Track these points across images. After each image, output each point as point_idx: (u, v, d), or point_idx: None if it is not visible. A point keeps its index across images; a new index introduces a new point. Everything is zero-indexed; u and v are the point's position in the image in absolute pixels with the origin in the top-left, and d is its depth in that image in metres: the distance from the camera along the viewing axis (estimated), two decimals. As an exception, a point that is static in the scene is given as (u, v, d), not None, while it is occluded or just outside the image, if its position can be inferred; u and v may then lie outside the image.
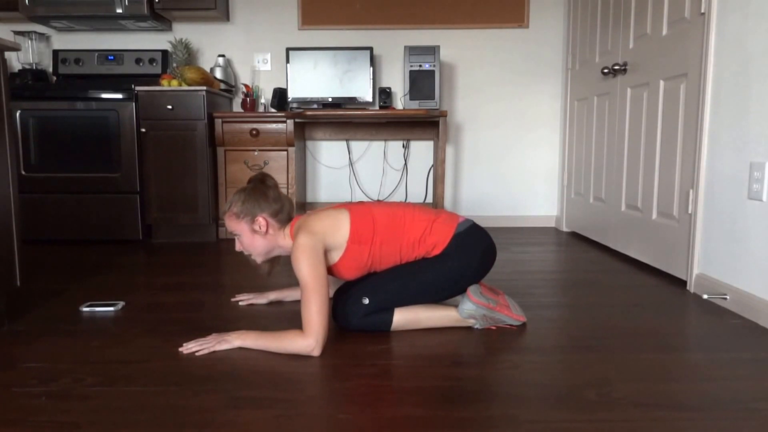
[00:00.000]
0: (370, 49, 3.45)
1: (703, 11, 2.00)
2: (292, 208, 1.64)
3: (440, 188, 3.19)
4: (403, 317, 1.59)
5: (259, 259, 1.63)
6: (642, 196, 2.51)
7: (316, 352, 1.42)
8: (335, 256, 1.56)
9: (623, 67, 2.66)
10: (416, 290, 1.58)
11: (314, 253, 1.45)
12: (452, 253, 1.57)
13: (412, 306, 1.60)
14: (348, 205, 1.61)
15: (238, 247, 1.62)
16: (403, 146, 3.72)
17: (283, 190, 3.20)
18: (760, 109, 1.71)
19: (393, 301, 1.58)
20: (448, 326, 1.63)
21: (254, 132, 3.20)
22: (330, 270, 1.59)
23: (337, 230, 1.53)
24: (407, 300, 1.59)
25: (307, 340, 1.40)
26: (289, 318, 1.76)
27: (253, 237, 1.57)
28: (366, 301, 1.56)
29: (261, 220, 1.55)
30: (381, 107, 3.45)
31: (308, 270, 1.42)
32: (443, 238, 1.58)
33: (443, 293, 1.61)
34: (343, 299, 1.60)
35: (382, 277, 1.59)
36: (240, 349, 1.47)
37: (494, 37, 3.65)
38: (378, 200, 1.76)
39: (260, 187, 1.59)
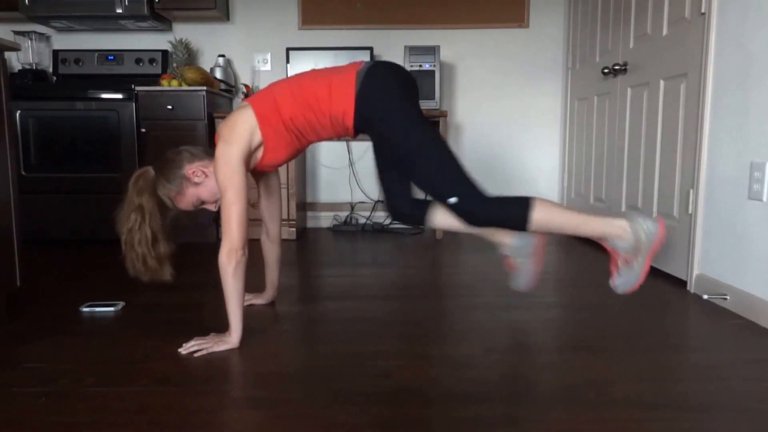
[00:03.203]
0: (370, 49, 3.45)
1: (703, 11, 2.00)
2: (209, 143, 1.61)
3: (440, 188, 3.18)
4: (545, 214, 1.44)
5: None
6: (642, 196, 2.51)
7: (235, 257, 1.43)
8: (261, 149, 1.54)
9: (623, 67, 2.66)
10: (421, 144, 1.45)
11: (230, 162, 1.45)
12: (370, 111, 1.47)
13: (558, 204, 1.48)
14: (249, 98, 1.56)
15: (215, 208, 1.60)
16: (403, 146, 3.71)
17: (283, 191, 3.20)
18: (760, 109, 1.71)
19: (451, 173, 1.45)
20: (592, 236, 1.49)
21: (254, 132, 3.20)
22: (268, 162, 1.57)
23: (246, 125, 1.49)
24: (442, 155, 1.46)
25: (223, 250, 1.43)
26: (290, 318, 1.76)
27: (206, 187, 1.55)
28: (452, 200, 1.44)
29: (192, 173, 1.53)
30: (381, 107, 3.44)
31: (225, 180, 1.44)
32: (346, 99, 1.48)
33: (423, 119, 1.50)
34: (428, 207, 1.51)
35: (421, 183, 1.49)
36: (240, 349, 1.47)
37: (494, 37, 3.65)
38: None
39: (156, 164, 1.56)
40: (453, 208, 1.46)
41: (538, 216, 1.44)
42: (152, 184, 1.53)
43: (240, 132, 1.48)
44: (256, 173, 1.68)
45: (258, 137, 1.52)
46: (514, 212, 1.45)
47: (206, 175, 1.55)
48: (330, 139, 1.62)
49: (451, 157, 1.47)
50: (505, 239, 1.69)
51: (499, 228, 1.49)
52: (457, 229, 1.58)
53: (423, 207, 1.64)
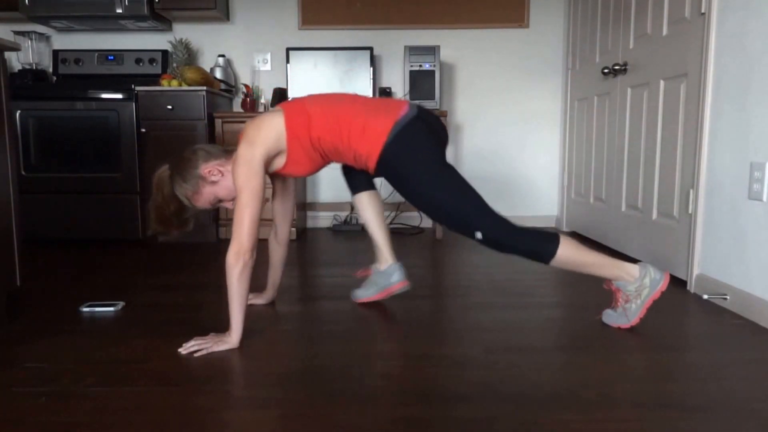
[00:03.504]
0: (370, 49, 3.45)
1: (703, 11, 2.00)
2: (213, 141, 1.64)
3: (440, 188, 3.19)
4: (570, 251, 1.50)
5: None
6: (642, 196, 2.51)
7: (242, 259, 1.43)
8: (283, 157, 1.55)
9: (623, 67, 2.66)
10: (437, 184, 1.50)
11: (251, 164, 1.45)
12: (394, 162, 1.51)
13: (583, 245, 1.54)
14: (284, 104, 1.58)
15: (231, 206, 1.60)
16: (403, 146, 3.71)
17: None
18: (760, 108, 1.71)
19: (471, 210, 1.49)
20: (603, 277, 1.57)
21: (254, 132, 3.20)
22: (290, 172, 1.59)
23: (273, 130, 1.51)
24: (458, 192, 1.50)
25: (231, 251, 1.44)
26: (290, 318, 1.76)
27: (222, 185, 1.56)
28: (479, 235, 1.49)
29: (208, 172, 1.54)
30: (381, 107, 3.44)
31: (242, 182, 1.44)
32: (373, 150, 1.51)
33: (442, 161, 1.53)
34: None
35: (437, 220, 1.55)
36: (240, 349, 1.47)
37: (494, 37, 3.65)
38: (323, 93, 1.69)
39: (172, 162, 1.57)
40: (481, 242, 1.51)
41: (562, 253, 1.50)
42: (170, 183, 1.54)
43: (265, 135, 1.49)
44: (275, 175, 1.69)
45: (283, 145, 1.53)
46: (541, 246, 1.50)
47: (222, 174, 1.55)
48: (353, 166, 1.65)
49: (469, 195, 1.51)
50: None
51: (524, 257, 1.54)
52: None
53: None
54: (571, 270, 1.55)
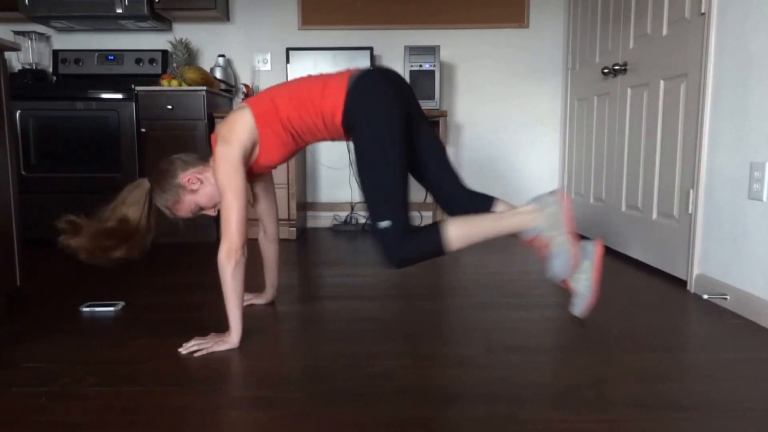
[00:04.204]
0: (370, 49, 3.45)
1: (703, 11, 2.00)
2: (189, 150, 1.62)
3: (440, 188, 3.19)
4: (460, 230, 1.45)
5: None
6: (642, 196, 2.51)
7: (234, 257, 1.44)
8: (257, 148, 1.54)
9: (623, 67, 2.66)
10: (384, 169, 1.45)
11: (230, 162, 1.45)
12: (356, 111, 1.47)
13: (468, 216, 1.49)
14: (247, 99, 1.58)
15: (214, 213, 1.61)
16: (403, 146, 3.71)
17: (283, 191, 3.20)
18: (760, 109, 1.71)
19: (394, 198, 1.45)
20: (510, 232, 1.49)
21: (254, 132, 3.20)
22: (264, 163, 1.57)
23: (244, 125, 1.50)
24: (397, 180, 1.46)
25: (222, 250, 1.44)
26: (290, 318, 1.76)
27: (202, 193, 1.56)
28: (384, 224, 1.44)
29: (187, 180, 1.54)
30: (381, 107, 3.44)
31: (224, 181, 1.44)
32: (336, 97, 1.48)
33: (400, 144, 1.47)
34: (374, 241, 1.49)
35: (365, 198, 1.49)
36: (240, 349, 1.47)
37: (494, 37, 3.65)
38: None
39: (151, 175, 1.56)
40: (382, 232, 1.44)
41: (454, 233, 1.45)
42: (148, 195, 1.54)
43: (239, 132, 1.49)
44: (251, 175, 1.68)
45: (256, 137, 1.52)
46: (429, 239, 1.45)
47: (201, 182, 1.56)
48: (327, 140, 1.62)
49: (398, 184, 1.46)
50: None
51: (423, 259, 1.48)
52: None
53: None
54: (480, 240, 1.47)
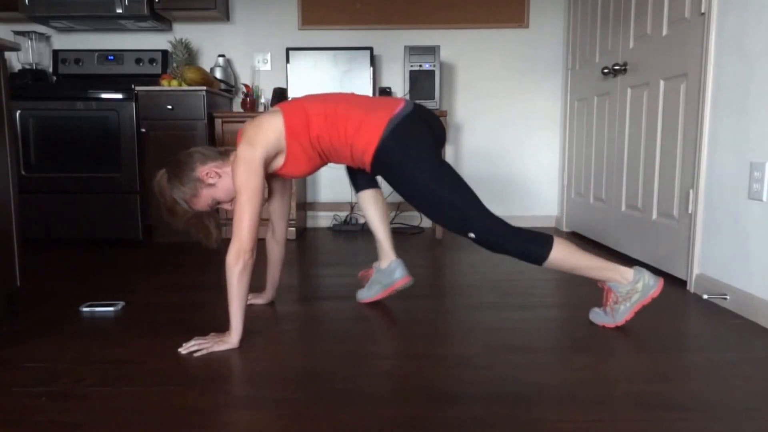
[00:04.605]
0: (370, 49, 3.45)
1: (703, 11, 2.00)
2: (209, 143, 1.64)
3: (440, 188, 3.19)
4: (564, 254, 1.51)
5: None
6: (642, 196, 2.51)
7: (242, 259, 1.44)
8: (282, 157, 1.56)
9: (623, 67, 2.66)
10: (440, 186, 1.49)
11: (251, 164, 1.45)
12: (388, 158, 1.51)
13: (577, 247, 1.54)
14: (282, 104, 1.58)
15: (231, 207, 1.61)
16: (403, 146, 3.71)
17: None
18: (760, 109, 1.71)
19: (467, 209, 1.49)
20: (598, 279, 1.59)
21: (254, 132, 3.20)
22: (288, 172, 1.59)
23: (273, 131, 1.51)
24: (457, 193, 1.50)
25: (231, 250, 1.44)
26: (290, 318, 1.76)
27: (220, 187, 1.56)
28: (471, 235, 1.50)
29: (206, 174, 1.54)
30: (381, 107, 3.44)
31: (242, 182, 1.45)
32: (370, 140, 1.51)
33: (438, 158, 1.53)
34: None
35: (443, 221, 1.53)
36: (240, 349, 1.47)
37: (494, 37, 3.65)
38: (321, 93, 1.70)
39: (169, 167, 1.56)
40: (475, 241, 1.52)
41: (555, 255, 1.50)
42: (168, 187, 1.54)
43: (265, 136, 1.49)
44: (273, 175, 1.69)
45: (282, 145, 1.53)
46: (534, 248, 1.50)
47: (220, 176, 1.55)
48: (351, 165, 1.65)
49: (465, 193, 1.51)
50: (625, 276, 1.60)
51: (517, 258, 1.54)
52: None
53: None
54: (564, 272, 1.56)
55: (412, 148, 1.50)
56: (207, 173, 1.54)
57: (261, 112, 3.25)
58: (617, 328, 1.63)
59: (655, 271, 2.36)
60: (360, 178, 1.86)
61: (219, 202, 1.60)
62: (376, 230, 1.87)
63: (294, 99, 1.61)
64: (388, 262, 1.86)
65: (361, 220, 3.73)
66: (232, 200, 1.60)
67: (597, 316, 1.67)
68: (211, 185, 1.55)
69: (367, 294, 1.92)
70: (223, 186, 1.56)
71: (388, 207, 1.90)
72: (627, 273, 1.57)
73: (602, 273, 1.56)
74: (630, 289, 1.57)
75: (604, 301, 1.64)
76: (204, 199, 1.56)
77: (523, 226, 3.73)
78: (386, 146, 1.50)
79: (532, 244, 1.50)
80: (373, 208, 1.86)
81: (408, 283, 1.87)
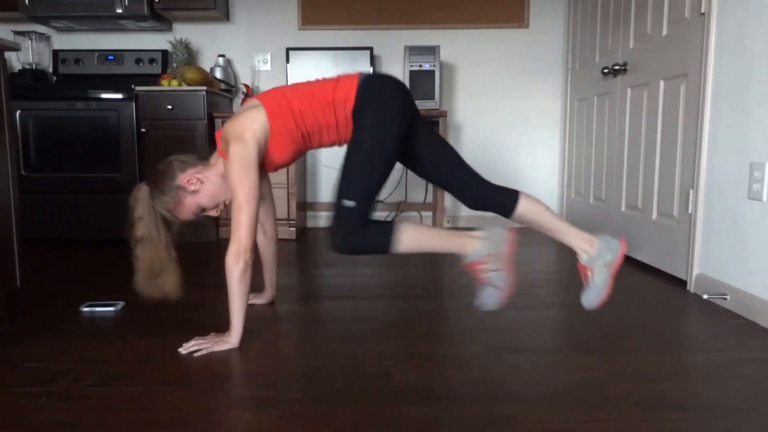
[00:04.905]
0: (370, 49, 3.45)
1: (703, 11, 2.00)
2: (189, 150, 1.61)
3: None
4: (410, 237, 1.45)
5: (229, 198, 1.58)
6: (642, 197, 2.51)
7: (242, 259, 1.43)
8: (268, 142, 1.52)
9: (623, 67, 2.66)
10: (373, 158, 1.46)
11: (244, 161, 1.44)
12: (367, 99, 1.50)
13: (422, 226, 1.50)
14: (257, 96, 1.57)
15: (216, 213, 1.60)
16: (403, 146, 3.71)
17: (283, 190, 3.20)
18: (760, 109, 1.71)
19: (369, 186, 1.46)
20: (454, 251, 1.50)
21: (254, 132, 3.20)
22: (270, 160, 1.56)
23: (258, 122, 1.49)
24: (380, 172, 1.48)
25: (230, 251, 1.43)
26: (289, 318, 1.76)
27: (204, 193, 1.54)
28: (349, 203, 1.43)
29: (187, 181, 1.52)
30: (381, 107, 3.44)
31: (237, 180, 1.43)
32: (349, 87, 1.51)
33: (396, 143, 1.50)
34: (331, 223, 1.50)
35: (341, 176, 1.48)
36: (240, 349, 1.47)
37: (494, 37, 3.65)
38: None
39: (149, 178, 1.54)
40: (345, 211, 1.44)
41: (405, 236, 1.45)
42: (149, 199, 1.50)
43: (253, 129, 1.48)
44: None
45: (268, 131, 1.51)
46: (381, 234, 1.45)
47: (202, 182, 1.54)
48: (332, 144, 1.62)
49: (375, 173, 1.47)
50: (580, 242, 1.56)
51: (368, 252, 1.48)
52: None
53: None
54: (424, 252, 1.49)
55: (387, 91, 1.51)
56: (188, 180, 1.52)
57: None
58: (617, 328, 1.63)
59: (656, 271, 2.37)
60: (478, 196, 1.66)
61: (204, 210, 1.58)
62: (550, 232, 1.66)
63: (266, 90, 1.59)
64: (594, 243, 1.60)
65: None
66: (217, 206, 1.59)
67: (585, 299, 1.55)
68: (194, 192, 1.53)
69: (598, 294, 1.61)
70: (207, 191, 1.55)
71: (385, 207, 1.88)
72: (477, 234, 1.49)
73: (456, 243, 1.48)
74: (488, 247, 1.47)
75: (476, 282, 1.53)
76: (188, 207, 1.54)
77: (524, 226, 3.73)
78: (364, 89, 1.50)
79: (375, 235, 1.44)
80: (535, 217, 1.65)
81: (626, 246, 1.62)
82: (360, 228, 1.44)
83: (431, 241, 1.49)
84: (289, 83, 3.42)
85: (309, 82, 1.59)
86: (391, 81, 1.55)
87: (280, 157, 1.57)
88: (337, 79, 1.56)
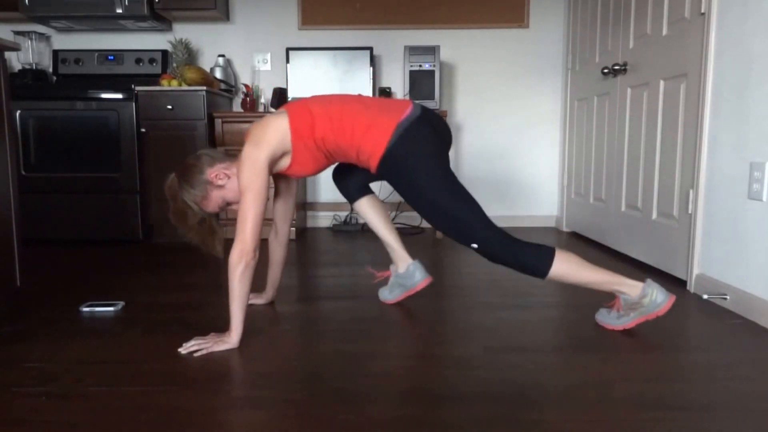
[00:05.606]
0: (370, 49, 3.45)
1: (703, 11, 2.00)
2: (209, 143, 1.63)
3: (440, 188, 3.18)
4: (566, 267, 1.49)
5: None
6: (642, 196, 2.51)
7: (245, 259, 1.44)
8: (288, 158, 1.56)
9: (623, 67, 2.66)
10: (442, 196, 1.48)
11: (255, 165, 1.46)
12: (395, 162, 1.49)
13: (580, 259, 1.52)
14: (288, 105, 1.58)
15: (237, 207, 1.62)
16: (403, 146, 3.71)
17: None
18: (760, 109, 1.71)
19: (467, 216, 1.48)
20: (606, 291, 1.56)
21: (254, 132, 3.20)
22: (293, 171, 1.59)
23: (278, 132, 1.50)
24: (462, 199, 1.49)
25: (234, 250, 1.45)
26: (290, 318, 1.76)
27: (230, 188, 1.57)
28: (474, 245, 1.49)
29: (215, 176, 1.55)
30: (381, 107, 3.44)
31: (246, 182, 1.45)
32: (376, 150, 1.50)
33: (442, 168, 1.51)
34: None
35: (443, 229, 1.52)
36: (240, 349, 1.47)
37: (494, 37, 3.65)
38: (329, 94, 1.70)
39: (178, 170, 1.58)
40: (477, 251, 1.51)
41: (557, 270, 1.49)
42: (178, 190, 1.56)
43: (270, 137, 1.49)
44: (279, 175, 1.70)
45: (288, 146, 1.53)
46: (533, 263, 1.48)
47: (229, 177, 1.57)
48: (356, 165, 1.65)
49: (470, 204, 1.50)
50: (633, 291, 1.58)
51: (519, 271, 1.53)
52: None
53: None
54: (571, 284, 1.54)
55: (419, 155, 1.49)
56: (216, 175, 1.55)
57: (261, 113, 3.25)
58: (610, 329, 1.63)
59: (656, 271, 2.37)
60: (352, 188, 1.85)
61: (229, 203, 1.61)
62: (384, 236, 1.87)
63: (301, 99, 1.60)
64: (406, 265, 1.86)
65: (361, 221, 3.73)
66: None
67: (601, 315, 1.67)
68: (220, 186, 1.56)
69: (389, 296, 1.92)
70: (233, 187, 1.58)
71: (387, 207, 1.90)
72: (634, 287, 1.55)
73: (608, 287, 1.54)
74: (635, 303, 1.55)
75: (612, 305, 1.64)
76: (214, 200, 1.57)
77: (524, 227, 3.74)
78: (393, 152, 1.49)
79: (532, 258, 1.48)
80: (374, 215, 1.85)
81: (429, 282, 1.87)
82: (510, 249, 1.48)
83: (587, 279, 1.52)
84: (289, 82, 3.43)
85: (344, 105, 1.54)
86: (427, 136, 1.51)
87: (301, 170, 1.60)
88: (371, 122, 1.50)
